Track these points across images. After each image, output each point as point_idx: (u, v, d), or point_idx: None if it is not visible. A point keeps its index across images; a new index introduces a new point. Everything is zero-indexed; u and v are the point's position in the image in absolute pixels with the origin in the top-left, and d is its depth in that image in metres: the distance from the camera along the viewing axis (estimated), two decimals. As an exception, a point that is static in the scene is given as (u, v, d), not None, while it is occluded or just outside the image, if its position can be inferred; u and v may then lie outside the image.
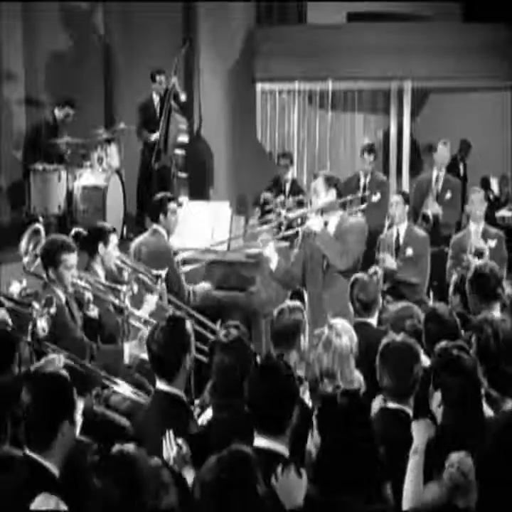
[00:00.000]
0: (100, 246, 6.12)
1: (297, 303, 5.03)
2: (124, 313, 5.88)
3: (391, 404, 4.01)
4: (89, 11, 11.55)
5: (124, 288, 5.78)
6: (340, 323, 4.59)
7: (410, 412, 3.99)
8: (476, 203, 8.17)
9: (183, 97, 10.47)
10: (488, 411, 4.06)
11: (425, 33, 10.83)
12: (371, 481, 3.28)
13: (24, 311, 4.88)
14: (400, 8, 11.36)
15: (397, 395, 4.01)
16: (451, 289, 7.49)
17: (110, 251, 6.15)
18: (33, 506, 3.09)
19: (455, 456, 3.50)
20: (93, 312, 5.74)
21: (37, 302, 4.92)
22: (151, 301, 6.05)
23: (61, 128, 9.89)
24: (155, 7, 10.90)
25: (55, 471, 3.33)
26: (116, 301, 5.77)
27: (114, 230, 6.44)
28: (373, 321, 5.48)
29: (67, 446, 3.39)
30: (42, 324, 4.82)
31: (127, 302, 5.79)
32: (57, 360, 4.56)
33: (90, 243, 6.18)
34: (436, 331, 4.80)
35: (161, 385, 4.13)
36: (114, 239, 6.21)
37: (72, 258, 5.52)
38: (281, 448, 3.40)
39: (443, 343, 4.10)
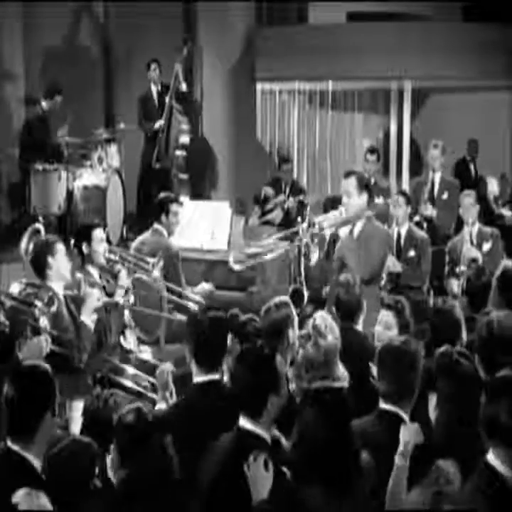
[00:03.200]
0: (84, 245, 6.11)
1: (285, 298, 5.02)
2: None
3: (387, 406, 3.93)
4: (90, 12, 11.56)
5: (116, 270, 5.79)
6: (324, 319, 4.59)
7: (405, 416, 3.91)
8: (467, 206, 8.05)
9: (184, 87, 10.47)
10: None
11: (425, 33, 10.82)
12: (344, 476, 3.29)
13: (26, 309, 4.89)
14: (400, 8, 11.35)
15: (393, 398, 3.92)
16: (456, 289, 7.50)
17: (95, 247, 6.10)
18: (15, 499, 3.11)
19: (441, 463, 3.51)
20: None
21: (39, 301, 4.94)
22: (91, 296, 5.60)
23: (52, 119, 9.86)
24: (155, 7, 10.90)
25: (36, 462, 3.39)
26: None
27: (98, 224, 6.41)
28: (356, 324, 5.42)
29: (47, 437, 3.46)
30: (44, 322, 4.84)
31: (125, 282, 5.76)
32: (41, 343, 4.62)
33: (77, 245, 6.17)
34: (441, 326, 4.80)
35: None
36: (97, 234, 6.15)
37: (60, 251, 5.54)
38: (262, 432, 3.47)
39: (444, 347, 4.09)
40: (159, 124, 10.32)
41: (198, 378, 4.16)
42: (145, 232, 7.34)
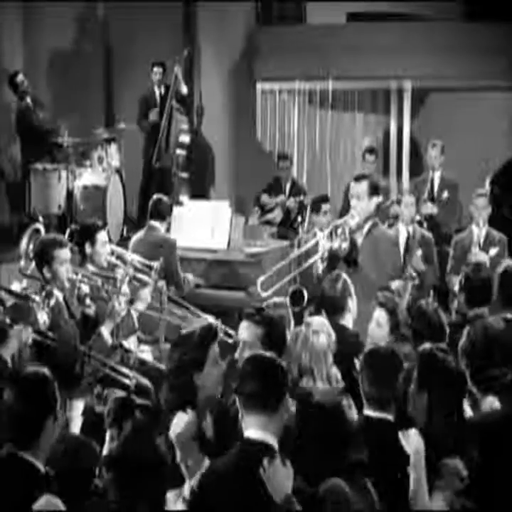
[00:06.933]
0: (87, 245, 6.09)
1: (282, 299, 5.03)
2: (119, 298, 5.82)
3: (373, 413, 3.84)
4: (90, 11, 11.57)
5: (119, 275, 5.78)
6: (317, 320, 4.60)
7: (392, 418, 3.85)
8: (480, 207, 7.95)
9: (184, 90, 10.50)
10: (466, 409, 4.07)
11: (425, 33, 10.82)
12: (344, 474, 3.29)
13: (25, 304, 4.89)
14: (400, 8, 11.34)
15: (380, 403, 3.83)
16: (456, 288, 7.51)
17: (98, 249, 6.09)
18: (36, 507, 3.12)
19: (451, 463, 3.50)
20: (90, 309, 5.72)
21: (37, 295, 4.94)
22: (144, 296, 5.99)
23: (32, 103, 9.83)
24: (155, 7, 10.91)
25: (41, 467, 3.39)
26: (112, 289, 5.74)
27: (103, 226, 6.40)
28: (343, 320, 5.42)
29: (51, 440, 3.46)
30: (43, 317, 4.84)
31: (125, 288, 5.74)
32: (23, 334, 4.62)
33: (79, 243, 6.16)
34: (423, 328, 4.81)
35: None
36: (102, 236, 6.13)
37: (64, 253, 5.48)
38: (270, 438, 3.31)
39: (427, 346, 4.11)
40: (155, 113, 10.34)
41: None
42: (139, 230, 7.39)
